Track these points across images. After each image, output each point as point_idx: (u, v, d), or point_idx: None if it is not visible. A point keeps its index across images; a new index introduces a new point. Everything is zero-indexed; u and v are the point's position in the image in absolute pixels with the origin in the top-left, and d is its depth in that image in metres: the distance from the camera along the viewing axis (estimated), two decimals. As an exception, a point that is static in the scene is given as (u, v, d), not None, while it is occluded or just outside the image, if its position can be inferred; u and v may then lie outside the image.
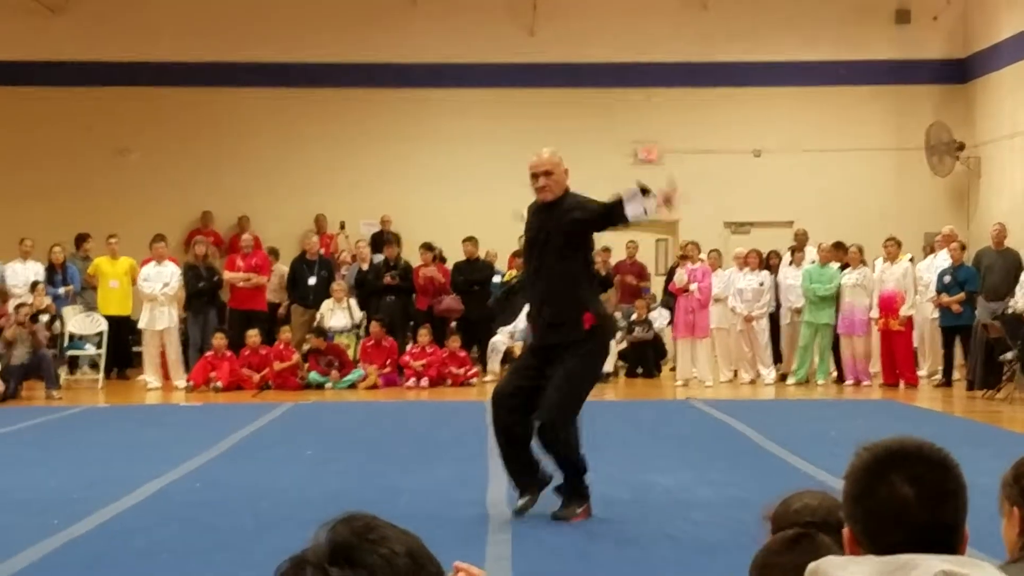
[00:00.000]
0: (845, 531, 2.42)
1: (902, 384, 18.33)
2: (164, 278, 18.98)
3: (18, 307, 17.95)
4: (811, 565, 2.37)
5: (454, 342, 19.19)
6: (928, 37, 23.96)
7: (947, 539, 2.32)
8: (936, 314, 18.90)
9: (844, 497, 2.43)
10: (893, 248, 18.80)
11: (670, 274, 20.33)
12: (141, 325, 19.01)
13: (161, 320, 18.83)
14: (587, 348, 8.50)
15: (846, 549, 2.42)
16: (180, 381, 18.69)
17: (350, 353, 19.24)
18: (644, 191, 8.83)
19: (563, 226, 8.66)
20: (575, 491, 8.54)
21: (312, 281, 20.08)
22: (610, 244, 22.32)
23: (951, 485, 2.36)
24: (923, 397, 17.56)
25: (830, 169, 23.49)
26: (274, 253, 21.38)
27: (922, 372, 19.78)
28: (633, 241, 22.02)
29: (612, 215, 8.71)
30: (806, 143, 23.55)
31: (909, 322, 18.62)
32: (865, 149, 23.52)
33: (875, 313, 18.54)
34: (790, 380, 19.06)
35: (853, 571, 2.28)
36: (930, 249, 20.67)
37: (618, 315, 21.00)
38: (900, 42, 23.81)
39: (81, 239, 20.83)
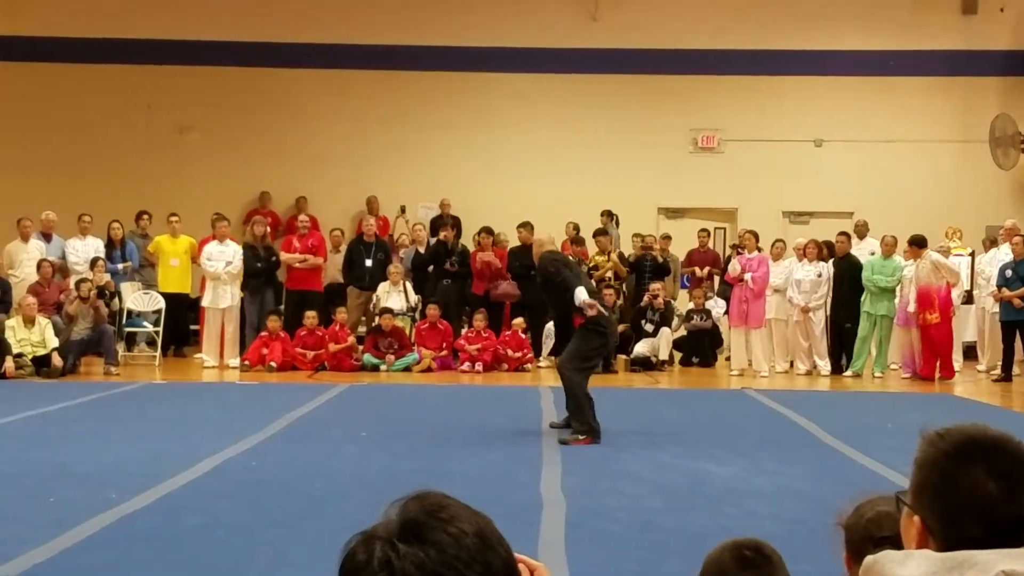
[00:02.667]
0: (916, 520, 2.36)
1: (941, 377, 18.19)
2: (227, 257, 19.08)
3: (79, 283, 18.13)
4: (868, 559, 2.33)
5: (518, 322, 19.22)
6: (994, 28, 23.67)
7: (1022, 532, 2.28)
8: (997, 308, 18.72)
9: (916, 486, 2.36)
10: (913, 249, 18.45)
11: (726, 263, 20.24)
12: (204, 303, 19.12)
13: (224, 299, 18.94)
14: (580, 333, 11.89)
15: (914, 540, 2.36)
16: (234, 360, 18.80)
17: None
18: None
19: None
20: (579, 423, 11.52)
21: (369, 263, 20.14)
22: (674, 232, 22.31)
23: None
24: (982, 391, 17.39)
25: (892, 160, 23.28)
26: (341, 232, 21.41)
27: (981, 366, 19.61)
28: (705, 230, 21.94)
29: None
30: (868, 134, 23.35)
31: (946, 313, 18.32)
32: (928, 141, 23.29)
33: (912, 308, 18.35)
34: (848, 371, 18.91)
35: (911, 567, 2.24)
36: (991, 242, 20.47)
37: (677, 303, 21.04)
38: (966, 33, 23.53)
39: (139, 216, 20.99)
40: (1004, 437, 2.32)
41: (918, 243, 18.48)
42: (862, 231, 20.49)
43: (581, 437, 11.39)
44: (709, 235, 22.01)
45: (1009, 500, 2.26)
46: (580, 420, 11.56)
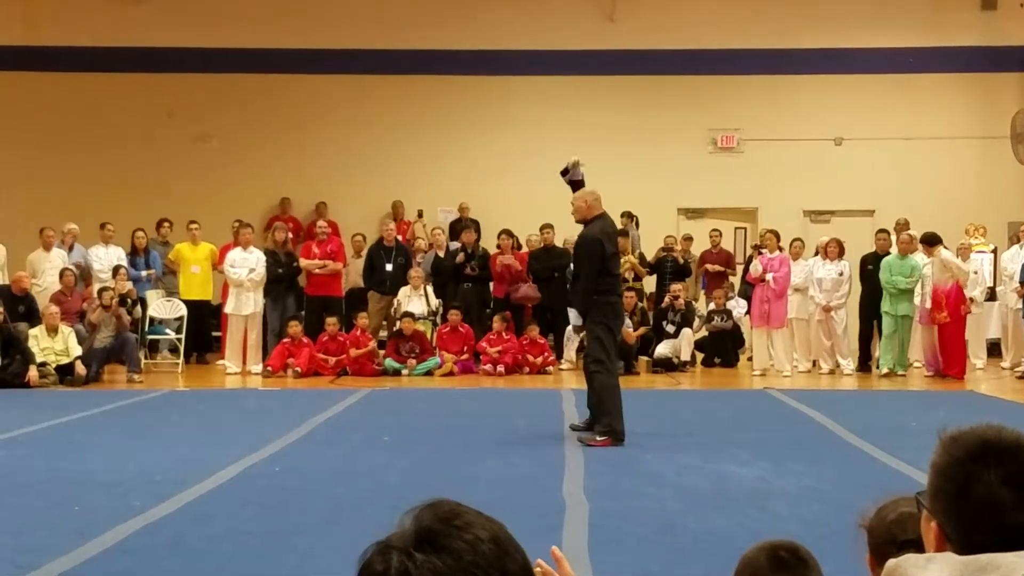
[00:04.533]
0: (934, 525, 2.36)
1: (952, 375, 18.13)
2: (250, 264, 19.12)
3: (102, 291, 18.19)
4: (890, 563, 2.32)
5: (532, 330, 19.20)
6: (1015, 24, 23.57)
7: None
8: (1020, 304, 18.64)
9: (932, 491, 2.35)
10: (925, 248, 18.43)
11: (747, 263, 20.21)
12: (227, 310, 19.16)
13: (247, 305, 18.98)
14: (588, 329, 11.84)
15: (932, 544, 2.36)
16: (256, 366, 18.84)
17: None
18: None
19: None
20: (602, 424, 11.38)
21: (389, 268, 20.16)
22: (693, 232, 22.28)
23: None
24: (1006, 388, 17.32)
25: (912, 158, 23.22)
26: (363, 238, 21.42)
27: (1005, 363, 19.56)
28: (716, 230, 21.93)
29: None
30: (888, 131, 23.28)
31: (958, 312, 18.24)
32: (949, 137, 23.21)
33: (928, 304, 18.28)
34: (881, 368, 18.81)
35: (933, 571, 2.23)
36: (1015, 239, 20.39)
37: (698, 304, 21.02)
38: (986, 29, 23.45)
39: (160, 224, 21.07)
40: (1020, 440, 2.30)
41: (929, 241, 18.41)
42: (902, 229, 20.19)
43: (600, 438, 11.28)
44: (721, 235, 21.97)
45: (1022, 506, 2.24)
46: (602, 421, 11.46)
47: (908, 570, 2.26)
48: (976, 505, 2.26)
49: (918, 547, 2.41)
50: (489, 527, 1.85)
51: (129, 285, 18.88)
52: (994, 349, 20.02)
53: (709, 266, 21.28)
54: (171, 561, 7.02)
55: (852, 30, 23.49)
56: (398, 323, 19.24)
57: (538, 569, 2.17)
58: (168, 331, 19.77)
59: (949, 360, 18.26)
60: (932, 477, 2.35)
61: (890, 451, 10.53)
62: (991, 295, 20.01)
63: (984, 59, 23.34)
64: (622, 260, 20.00)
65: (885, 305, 18.81)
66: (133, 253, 20.05)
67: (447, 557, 1.79)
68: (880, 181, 23.08)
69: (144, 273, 19.94)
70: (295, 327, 18.81)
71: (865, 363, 19.21)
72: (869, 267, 19.22)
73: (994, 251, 20.64)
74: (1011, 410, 14.46)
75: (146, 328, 19.41)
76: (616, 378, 11.73)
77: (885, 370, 18.75)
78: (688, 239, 21.81)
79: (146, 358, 19.22)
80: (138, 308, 18.93)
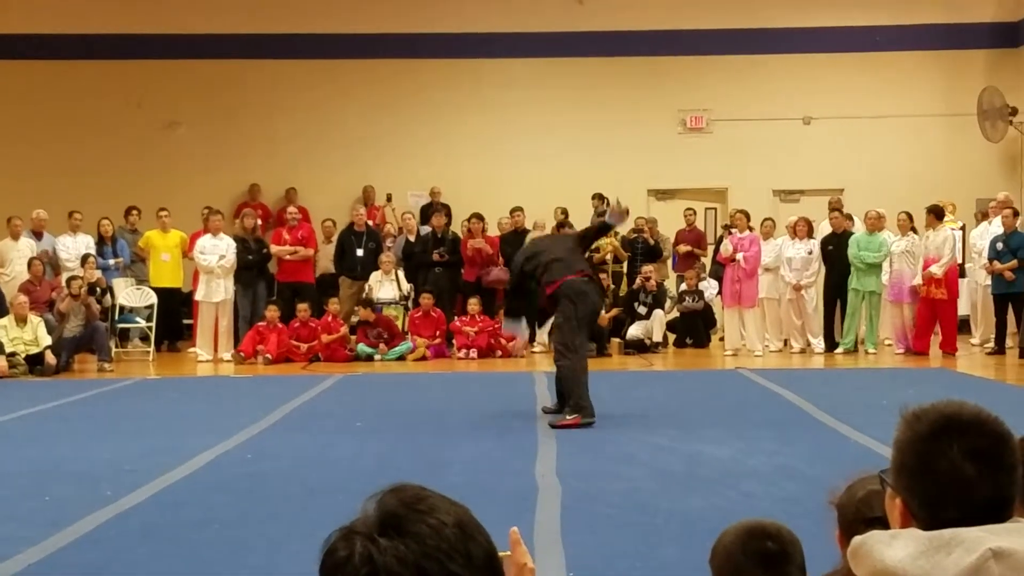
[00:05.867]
0: (898, 502, 2.36)
1: (939, 352, 18.20)
2: (221, 251, 19.06)
3: (70, 280, 18.09)
4: (856, 539, 2.32)
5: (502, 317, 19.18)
6: (980, 1, 23.65)
7: (1005, 511, 2.27)
8: (989, 281, 18.73)
9: (896, 468, 2.35)
10: (932, 218, 18.55)
11: (718, 243, 20.23)
12: (198, 297, 19.09)
13: (218, 292, 18.93)
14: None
15: (897, 520, 2.36)
16: (228, 353, 18.79)
17: (398, 325, 19.27)
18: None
19: None
20: (571, 406, 11.47)
21: (360, 253, 20.12)
22: (661, 215, 22.28)
23: (1010, 457, 2.28)
24: (975, 365, 17.41)
25: (881, 136, 23.27)
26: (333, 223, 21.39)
27: (974, 340, 19.67)
28: (691, 209, 21.93)
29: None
30: (856, 110, 23.33)
31: (953, 289, 18.38)
32: (916, 115, 23.28)
33: (919, 280, 18.35)
34: (839, 348, 18.95)
35: (898, 547, 2.23)
36: (982, 216, 20.48)
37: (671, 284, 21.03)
38: (952, 6, 23.51)
39: (128, 212, 20.96)
40: (981, 416, 2.30)
41: (937, 213, 18.51)
42: (838, 205, 20.29)
43: (569, 418, 11.37)
44: (695, 214, 21.97)
45: (985, 481, 2.24)
46: (570, 402, 11.55)
47: (873, 547, 2.26)
48: (940, 480, 2.26)
49: (886, 524, 2.41)
50: (453, 511, 1.84)
51: (98, 274, 18.77)
52: (963, 326, 20.10)
53: (680, 247, 21.24)
54: (142, 550, 6.99)
55: (819, 9, 23.52)
56: (359, 309, 19.17)
57: (504, 553, 2.15)
58: (139, 319, 19.67)
59: (946, 338, 18.32)
60: (895, 454, 2.35)
61: (861, 429, 10.58)
62: (960, 272, 20.09)
63: (950, 37, 23.39)
64: (605, 242, 20.03)
65: (853, 282, 18.89)
66: (101, 242, 19.93)
67: (411, 542, 1.78)
68: (849, 160, 23.14)
69: (112, 261, 19.82)
70: (272, 311, 18.75)
71: (832, 343, 19.27)
72: (829, 247, 19.28)
73: (962, 228, 20.72)
74: (983, 387, 14.55)
75: (116, 317, 19.30)
76: (580, 360, 11.68)
77: (842, 349, 18.85)
78: (653, 220, 21.71)
79: (117, 347, 19.11)
80: (107, 297, 18.83)
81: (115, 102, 23.35)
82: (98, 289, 18.44)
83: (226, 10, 23.36)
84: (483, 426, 11.61)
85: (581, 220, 21.03)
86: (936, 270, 18.10)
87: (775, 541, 3.09)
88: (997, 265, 18.22)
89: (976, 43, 23.52)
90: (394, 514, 1.82)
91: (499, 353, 18.86)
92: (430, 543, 1.78)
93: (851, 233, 19.43)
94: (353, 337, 19.02)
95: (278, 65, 23.53)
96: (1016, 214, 18.75)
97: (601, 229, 13.50)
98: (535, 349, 19.44)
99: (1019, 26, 23.42)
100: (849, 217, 20.02)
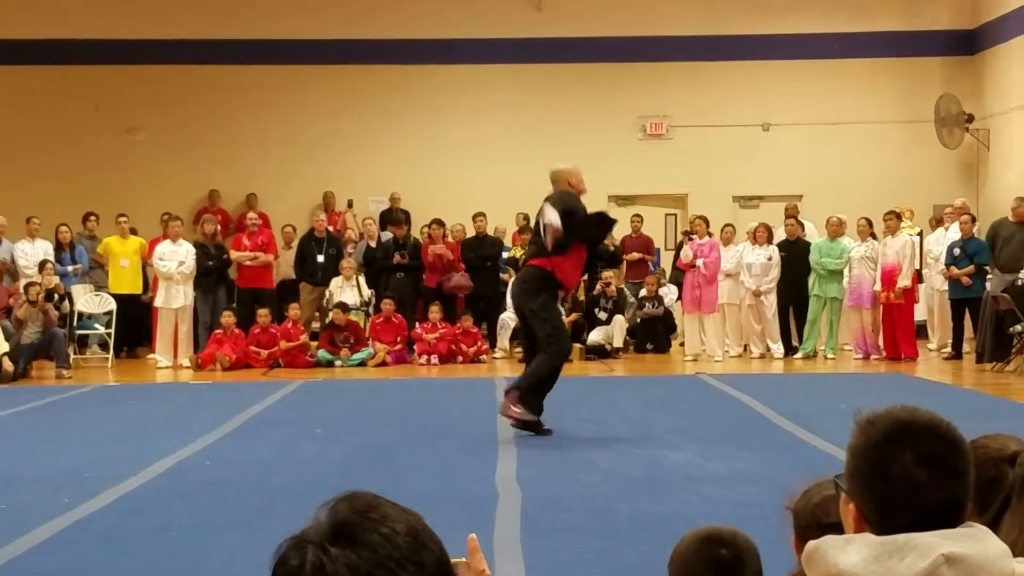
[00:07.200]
0: (852, 507, 2.38)
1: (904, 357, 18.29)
2: (180, 256, 18.99)
3: (28, 286, 17.97)
4: (810, 544, 2.34)
5: (466, 319, 19.18)
6: (937, 8, 23.82)
7: (955, 516, 2.29)
8: (946, 286, 18.87)
9: (850, 473, 2.37)
10: (892, 222, 18.69)
11: (678, 249, 20.29)
12: (157, 303, 19.00)
13: (177, 299, 18.85)
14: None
15: (851, 525, 2.38)
16: (187, 360, 18.71)
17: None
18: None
19: None
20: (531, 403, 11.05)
21: (321, 259, 20.07)
22: (622, 221, 22.27)
23: (962, 463, 2.30)
24: (933, 370, 17.54)
25: (839, 142, 23.39)
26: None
27: (932, 345, 19.80)
28: (638, 215, 21.98)
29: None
30: (815, 116, 23.45)
31: (910, 295, 18.55)
32: (874, 122, 23.42)
33: (878, 287, 18.47)
34: (798, 354, 19.06)
35: (852, 552, 2.25)
36: (939, 222, 20.63)
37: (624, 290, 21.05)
38: (908, 14, 23.68)
39: (86, 217, 20.83)
40: (933, 421, 2.33)
41: (899, 217, 18.70)
42: (793, 212, 20.45)
43: (517, 410, 11.00)
44: (643, 221, 21.98)
45: (938, 486, 2.27)
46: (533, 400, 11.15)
47: (827, 551, 2.28)
48: (892, 486, 2.28)
49: (841, 530, 2.43)
50: (406, 519, 1.84)
51: (56, 280, 18.65)
52: (920, 331, 20.22)
53: (630, 255, 21.15)
54: (100, 557, 6.96)
55: (778, 17, 23.62)
56: (331, 314, 19.16)
57: (458, 560, 2.15)
58: (97, 326, 19.55)
59: (905, 342, 18.43)
60: (849, 459, 2.37)
61: (819, 433, 10.63)
62: (918, 278, 20.23)
63: (908, 44, 23.55)
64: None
65: (814, 288, 19.02)
66: (59, 248, 19.79)
67: (363, 551, 1.77)
68: (808, 166, 23.25)
69: (71, 268, 19.69)
70: (228, 317, 18.69)
71: (791, 349, 19.37)
72: (783, 254, 19.38)
73: (920, 234, 20.87)
74: (938, 391, 14.65)
75: (75, 323, 19.18)
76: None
77: (801, 354, 18.97)
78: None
79: (75, 353, 19.00)
80: (66, 303, 18.72)
81: (74, 108, 23.18)
82: (56, 295, 18.33)
83: (186, 16, 23.24)
84: (444, 432, 11.59)
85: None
86: (906, 281, 18.28)
87: (729, 548, 3.10)
88: (954, 271, 18.35)
89: (933, 51, 23.70)
90: (346, 522, 1.81)
91: (460, 359, 18.85)
92: (382, 552, 1.78)
93: (805, 241, 19.56)
94: (314, 343, 18.97)
95: (238, 71, 23.44)
96: (973, 220, 18.92)
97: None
98: (496, 355, 19.45)
99: (975, 34, 23.61)
100: (800, 224, 20.13)
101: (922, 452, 2.28)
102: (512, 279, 11.56)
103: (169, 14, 23.24)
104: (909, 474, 2.27)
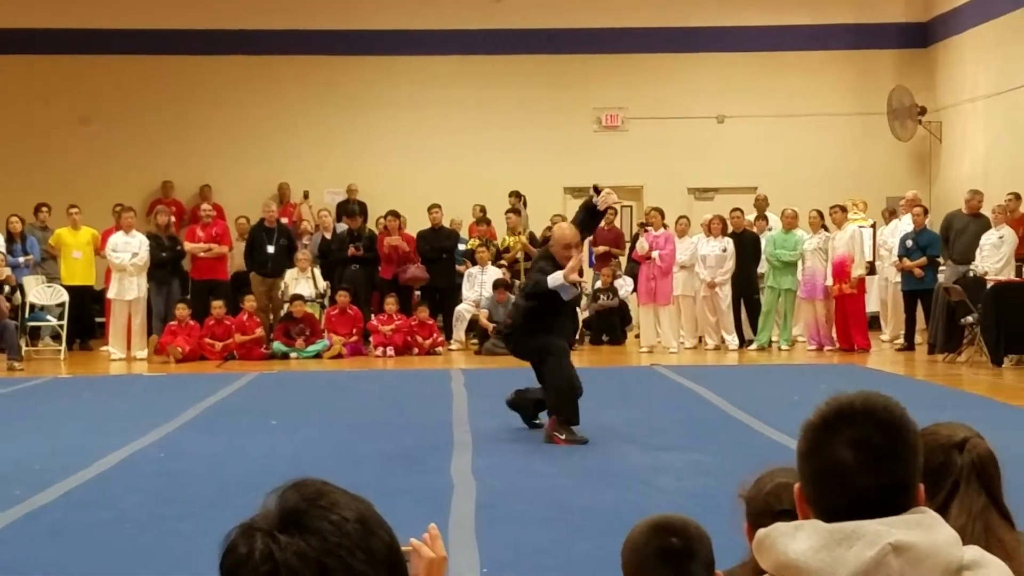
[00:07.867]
0: (796, 487, 2.40)
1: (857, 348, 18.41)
2: (133, 248, 18.85)
3: (-22, 278, 17.82)
4: (760, 532, 2.35)
5: (422, 311, 19.15)
6: (889, 1, 23.98)
7: (896, 499, 2.29)
8: (898, 278, 19.00)
9: (797, 453, 2.40)
10: (838, 215, 18.79)
11: (633, 241, 20.33)
12: (110, 295, 18.86)
13: (130, 290, 18.72)
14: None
15: (799, 507, 2.40)
16: (141, 352, 18.60)
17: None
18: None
19: None
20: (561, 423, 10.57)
21: (271, 249, 19.94)
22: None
23: (899, 448, 2.31)
24: (885, 360, 17.66)
25: (793, 134, 23.51)
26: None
27: (884, 336, 19.94)
28: (613, 209, 21.93)
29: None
30: (769, 108, 23.55)
31: (861, 286, 18.65)
32: (827, 114, 23.54)
33: (830, 281, 18.55)
34: (753, 345, 19.14)
35: (800, 540, 2.26)
36: (892, 213, 20.77)
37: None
38: (861, 6, 23.82)
39: (38, 208, 20.65)
40: (877, 406, 2.34)
41: (844, 210, 18.82)
42: (763, 206, 20.71)
43: (561, 436, 10.40)
44: (616, 213, 22.02)
45: (864, 469, 2.28)
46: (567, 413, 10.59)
47: (777, 539, 2.29)
48: (822, 465, 2.32)
49: (794, 517, 2.45)
50: (355, 506, 1.83)
51: (7, 271, 18.50)
52: (873, 322, 20.36)
53: (598, 248, 21.23)
54: (52, 550, 6.91)
55: (732, 9, 23.70)
56: (287, 306, 19.09)
57: (408, 548, 2.15)
58: (49, 317, 19.39)
59: (858, 333, 18.52)
60: (799, 439, 2.40)
61: (774, 424, 10.69)
62: (871, 269, 20.35)
63: (861, 37, 23.69)
64: (514, 241, 20.10)
65: (769, 279, 19.12)
66: (10, 239, 19.61)
67: (312, 538, 1.77)
68: (762, 158, 23.34)
69: (22, 259, 19.52)
70: (182, 309, 18.59)
71: (743, 340, 19.46)
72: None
73: (873, 226, 20.99)
74: (891, 381, 14.74)
75: (26, 315, 19.02)
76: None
77: (756, 345, 19.06)
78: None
79: (27, 345, 18.84)
80: (17, 294, 18.56)
81: (24, 99, 22.98)
82: (7, 287, 18.17)
83: (138, 5, 23.07)
84: (399, 424, 11.59)
85: (498, 217, 21.13)
86: (861, 271, 18.38)
87: (680, 537, 3.09)
88: (907, 262, 18.47)
89: (886, 43, 23.84)
90: (295, 510, 1.81)
91: (416, 351, 18.82)
92: (331, 539, 1.77)
93: (752, 233, 19.67)
94: (270, 336, 18.90)
95: (192, 61, 23.30)
96: (926, 212, 19.05)
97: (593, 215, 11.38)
98: (452, 347, 19.44)
99: (928, 26, 23.78)
100: (764, 217, 20.27)
101: (853, 435, 2.30)
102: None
103: (121, 4, 23.06)
104: (834, 455, 2.29)
